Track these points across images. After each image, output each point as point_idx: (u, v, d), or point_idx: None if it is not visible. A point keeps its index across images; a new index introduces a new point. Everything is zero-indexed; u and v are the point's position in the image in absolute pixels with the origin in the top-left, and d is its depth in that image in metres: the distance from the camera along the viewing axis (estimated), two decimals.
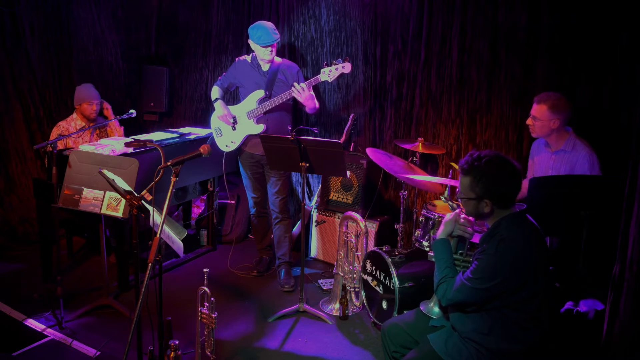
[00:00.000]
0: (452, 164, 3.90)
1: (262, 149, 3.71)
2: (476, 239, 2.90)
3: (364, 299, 3.66)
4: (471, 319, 2.22)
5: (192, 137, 4.41)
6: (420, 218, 3.49)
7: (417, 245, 3.46)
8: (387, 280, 3.37)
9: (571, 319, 2.83)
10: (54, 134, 4.38)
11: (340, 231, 3.77)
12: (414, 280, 3.32)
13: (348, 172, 4.27)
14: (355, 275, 3.69)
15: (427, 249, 3.27)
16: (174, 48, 5.51)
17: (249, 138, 4.00)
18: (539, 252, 2.16)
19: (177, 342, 2.73)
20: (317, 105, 3.90)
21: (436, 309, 2.59)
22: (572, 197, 2.77)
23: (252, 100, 3.91)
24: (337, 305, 3.70)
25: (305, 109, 3.88)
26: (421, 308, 2.58)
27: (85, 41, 5.22)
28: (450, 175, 3.33)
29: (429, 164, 4.19)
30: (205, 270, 2.93)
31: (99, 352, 3.17)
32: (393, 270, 3.31)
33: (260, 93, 3.89)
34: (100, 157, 3.36)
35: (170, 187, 2.45)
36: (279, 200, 4.07)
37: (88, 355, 3.17)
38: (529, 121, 3.22)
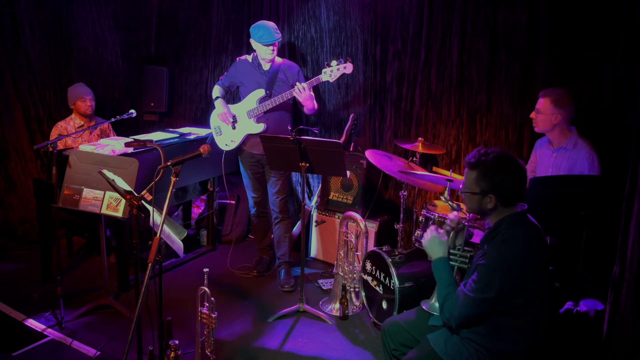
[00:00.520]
0: (435, 168, 3.91)
1: (262, 149, 3.71)
2: (476, 238, 2.90)
3: (364, 299, 3.66)
4: None
5: (192, 137, 4.41)
6: (420, 218, 3.49)
7: (417, 245, 3.47)
8: (387, 280, 3.37)
9: (571, 319, 2.83)
10: (53, 134, 4.39)
11: (340, 231, 3.77)
12: (414, 280, 3.32)
13: (348, 172, 4.27)
14: (355, 275, 3.69)
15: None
16: (173, 48, 5.51)
17: (249, 137, 4.01)
18: (540, 252, 2.16)
19: (177, 342, 2.73)
20: (316, 106, 3.90)
21: (437, 305, 2.57)
22: (572, 197, 2.77)
23: (253, 99, 3.92)
24: (337, 305, 3.70)
25: (304, 109, 3.88)
26: (423, 307, 2.57)
27: (85, 41, 5.22)
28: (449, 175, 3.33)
29: (429, 164, 4.19)
30: (205, 270, 2.93)
31: (99, 352, 3.16)
32: (393, 270, 3.31)
33: (260, 92, 3.90)
34: (100, 157, 3.36)
35: (170, 187, 2.45)
36: (279, 200, 4.07)
37: (88, 355, 3.17)
38: (532, 115, 3.23)
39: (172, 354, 2.70)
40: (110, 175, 2.67)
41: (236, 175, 4.56)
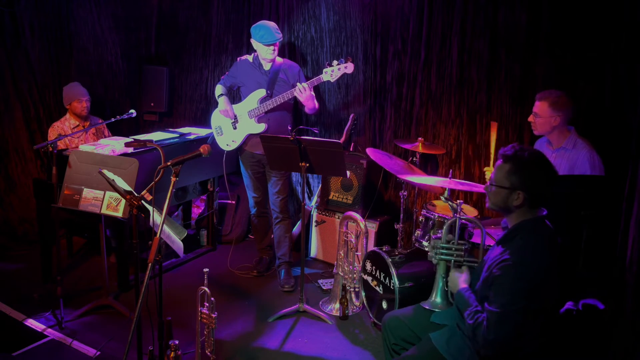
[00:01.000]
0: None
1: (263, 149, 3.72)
2: (476, 238, 2.90)
3: (364, 299, 3.66)
4: None
5: (192, 137, 4.41)
6: (420, 218, 3.49)
7: (417, 245, 3.46)
8: (387, 280, 3.37)
9: (571, 319, 2.83)
10: (51, 135, 4.39)
11: (340, 231, 3.77)
12: (414, 280, 3.32)
13: (348, 172, 4.27)
14: (355, 275, 3.69)
15: (427, 249, 3.26)
16: (173, 48, 5.51)
17: (249, 137, 4.01)
18: (555, 257, 2.12)
19: (177, 342, 2.73)
20: (317, 105, 3.91)
21: (437, 300, 2.52)
22: (572, 197, 2.77)
23: (254, 99, 3.92)
24: (337, 305, 3.70)
25: (305, 109, 3.89)
26: (425, 307, 2.55)
27: (85, 41, 5.22)
28: (450, 175, 3.33)
29: (429, 164, 4.19)
30: (205, 270, 2.93)
31: (99, 352, 3.17)
32: (393, 270, 3.31)
33: (261, 92, 3.90)
34: (100, 157, 3.36)
35: (170, 187, 2.45)
36: (280, 200, 4.07)
37: (88, 355, 3.17)
38: (530, 118, 3.22)
39: (172, 354, 2.70)
40: (110, 175, 2.67)
41: (236, 175, 4.56)
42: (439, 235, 2.57)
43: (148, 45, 5.57)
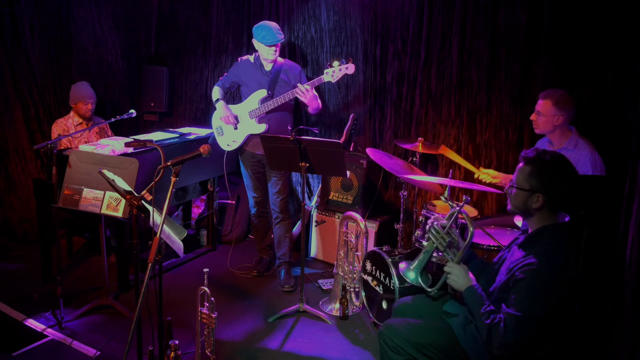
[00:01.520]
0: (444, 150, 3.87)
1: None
2: (477, 238, 2.89)
3: (364, 299, 3.66)
4: None
5: (192, 137, 4.41)
6: (420, 218, 3.49)
7: (417, 245, 3.47)
8: (387, 280, 3.37)
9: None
10: (53, 131, 4.40)
11: (340, 231, 3.77)
12: None
13: (348, 172, 4.27)
14: (355, 275, 3.69)
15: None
16: (173, 48, 5.51)
17: (250, 138, 4.01)
18: (575, 270, 2.11)
19: (177, 342, 2.73)
20: (321, 105, 3.91)
21: (412, 275, 2.43)
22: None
23: (255, 99, 3.92)
24: (337, 305, 3.70)
25: (308, 109, 3.88)
26: (401, 267, 2.47)
27: (85, 41, 5.22)
28: (450, 176, 3.33)
29: (429, 164, 4.19)
30: (205, 270, 2.93)
31: (99, 352, 3.16)
32: (393, 270, 3.31)
33: (262, 93, 3.90)
34: (100, 157, 3.36)
35: (170, 187, 2.45)
36: (280, 200, 4.07)
37: (88, 355, 3.17)
38: (533, 117, 3.22)
39: (172, 354, 2.70)
40: (110, 175, 2.67)
41: (236, 175, 4.56)
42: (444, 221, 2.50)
43: (148, 45, 5.57)
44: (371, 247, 4.00)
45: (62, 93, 5.08)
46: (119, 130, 4.85)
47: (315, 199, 4.66)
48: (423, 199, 4.27)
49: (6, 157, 4.78)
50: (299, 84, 3.75)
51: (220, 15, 5.19)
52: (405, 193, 3.79)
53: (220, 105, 4.01)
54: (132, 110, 4.18)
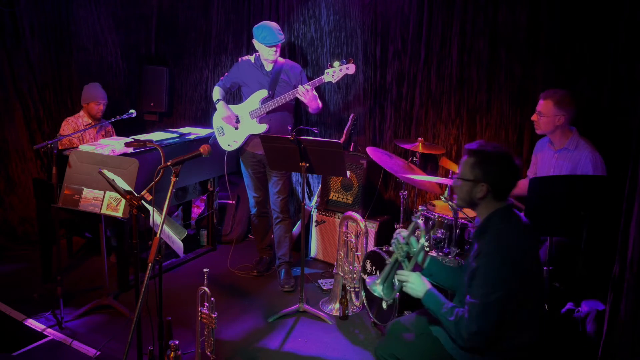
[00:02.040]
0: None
1: None
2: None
3: (364, 299, 3.66)
4: None
5: (192, 137, 4.41)
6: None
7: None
8: None
9: (572, 319, 2.83)
10: (64, 129, 4.43)
11: (340, 231, 3.77)
12: None
13: (348, 172, 4.27)
14: (355, 275, 3.69)
15: (427, 249, 3.25)
16: (173, 48, 5.51)
17: (251, 138, 4.01)
18: (532, 244, 2.16)
19: (177, 342, 2.73)
20: (321, 105, 3.91)
21: (378, 289, 2.38)
22: (572, 197, 2.77)
23: (255, 100, 3.92)
24: (337, 305, 3.70)
25: (309, 109, 3.89)
26: (367, 281, 2.45)
27: (85, 41, 5.22)
28: (450, 175, 3.33)
29: (429, 164, 4.19)
30: (205, 270, 2.94)
31: (99, 352, 3.16)
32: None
33: (263, 93, 3.90)
34: (100, 157, 3.36)
35: (170, 187, 2.45)
36: (280, 200, 4.07)
37: (88, 355, 3.17)
38: (534, 117, 3.22)
39: (172, 354, 2.70)
40: (110, 175, 2.67)
41: (236, 175, 4.56)
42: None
43: (148, 45, 5.57)
44: (371, 247, 4.00)
45: (62, 93, 5.09)
46: (119, 130, 4.85)
47: (315, 199, 4.66)
48: (423, 199, 4.27)
49: (6, 157, 4.78)
50: (299, 85, 3.75)
51: (220, 15, 5.20)
52: (405, 193, 3.79)
53: (220, 106, 4.01)
54: (132, 110, 4.18)
